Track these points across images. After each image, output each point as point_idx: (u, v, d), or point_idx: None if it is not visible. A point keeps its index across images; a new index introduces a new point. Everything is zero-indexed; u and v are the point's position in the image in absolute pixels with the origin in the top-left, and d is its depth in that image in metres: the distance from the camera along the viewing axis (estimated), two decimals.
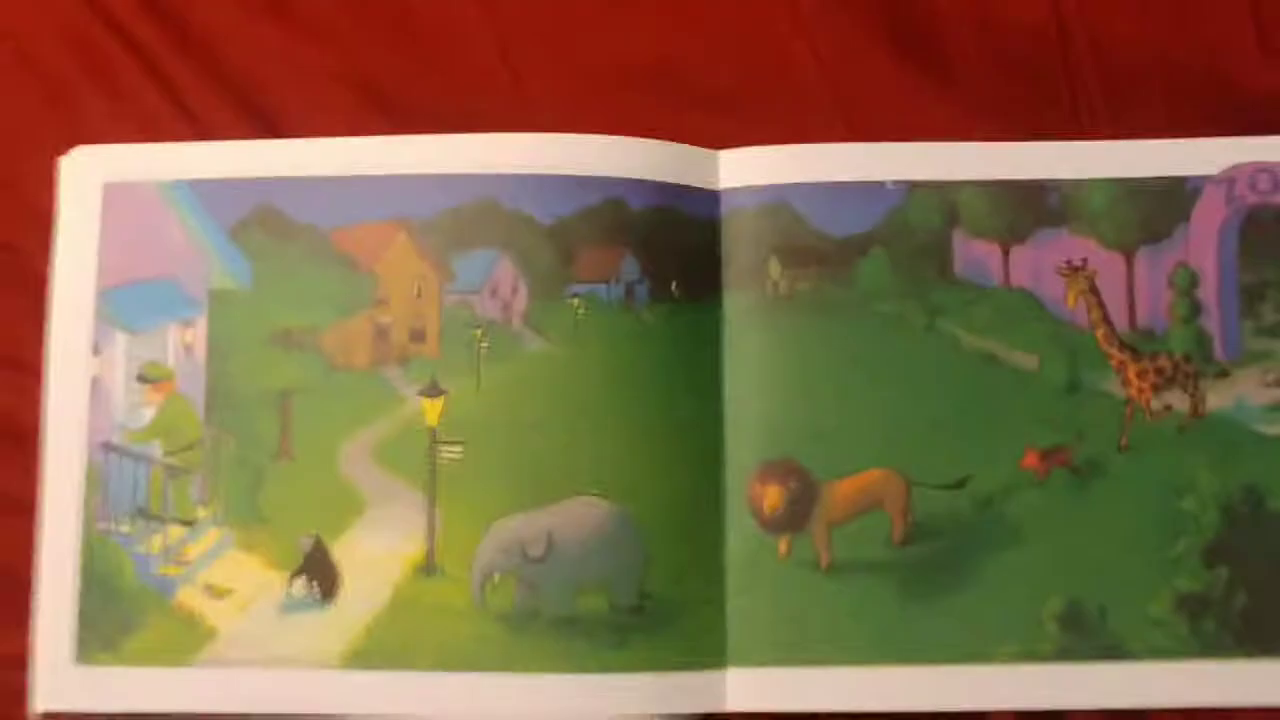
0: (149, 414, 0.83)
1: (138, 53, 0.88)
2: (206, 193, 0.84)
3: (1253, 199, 0.85)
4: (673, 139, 0.85)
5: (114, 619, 0.81)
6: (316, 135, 0.86)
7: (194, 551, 0.82)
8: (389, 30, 0.89)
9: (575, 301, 0.84)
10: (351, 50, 0.89)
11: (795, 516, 0.83)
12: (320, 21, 0.89)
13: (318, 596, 0.81)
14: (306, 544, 0.82)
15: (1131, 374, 0.85)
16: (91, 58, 0.88)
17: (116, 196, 0.84)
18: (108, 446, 0.83)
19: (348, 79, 0.88)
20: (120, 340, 0.83)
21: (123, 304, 0.83)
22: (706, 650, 0.81)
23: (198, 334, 0.84)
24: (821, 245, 0.85)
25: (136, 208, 0.84)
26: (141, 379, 0.83)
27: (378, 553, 0.82)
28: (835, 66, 0.89)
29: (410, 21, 0.90)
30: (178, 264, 0.84)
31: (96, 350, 0.83)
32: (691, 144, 0.85)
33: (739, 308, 0.84)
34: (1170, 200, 0.86)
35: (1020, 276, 0.86)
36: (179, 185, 0.84)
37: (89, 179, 0.85)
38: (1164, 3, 0.90)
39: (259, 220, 0.84)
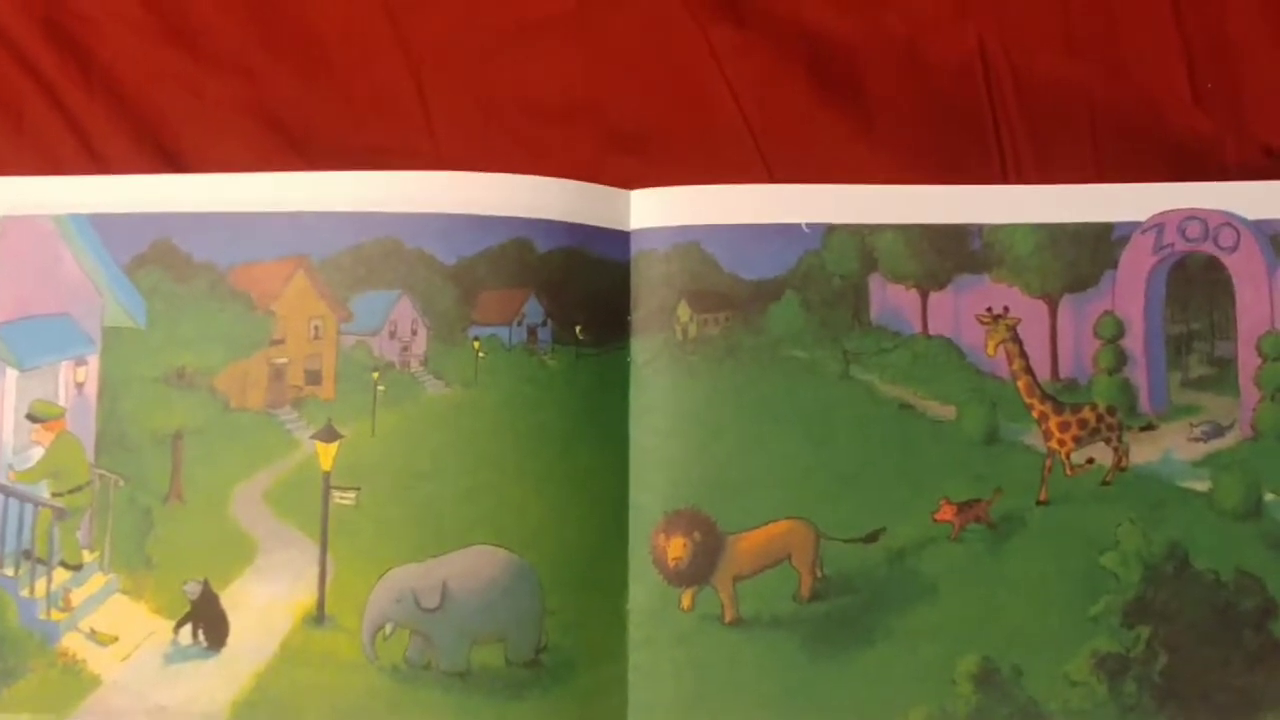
0: (37, 453, 0.81)
1: (39, 83, 0.87)
2: (104, 227, 0.82)
3: (1182, 246, 0.83)
4: (588, 179, 0.83)
5: None
6: (221, 170, 0.84)
7: (79, 597, 0.80)
8: (298, 62, 0.88)
9: (476, 344, 0.82)
10: (259, 82, 0.87)
11: (700, 569, 0.80)
12: (227, 52, 0.88)
13: (205, 645, 0.79)
14: (194, 590, 0.80)
15: (1053, 426, 0.82)
16: None
17: (11, 229, 0.83)
18: None
19: (254, 112, 0.87)
20: (10, 377, 0.82)
21: (14, 340, 0.82)
22: (606, 706, 0.79)
23: (90, 372, 0.82)
24: (733, 289, 0.83)
25: (32, 241, 0.82)
26: (31, 417, 0.81)
27: (267, 601, 0.79)
28: (753, 106, 0.87)
29: (320, 54, 0.88)
30: (72, 300, 0.82)
31: None
32: (606, 184, 0.83)
33: (646, 352, 0.82)
34: (1096, 247, 0.83)
35: (940, 324, 0.83)
36: (77, 219, 0.82)
37: None
38: (1092, 45, 0.87)
39: (156, 256, 0.82)
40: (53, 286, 0.82)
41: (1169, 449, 0.82)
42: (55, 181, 0.83)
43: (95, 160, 0.86)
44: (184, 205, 0.82)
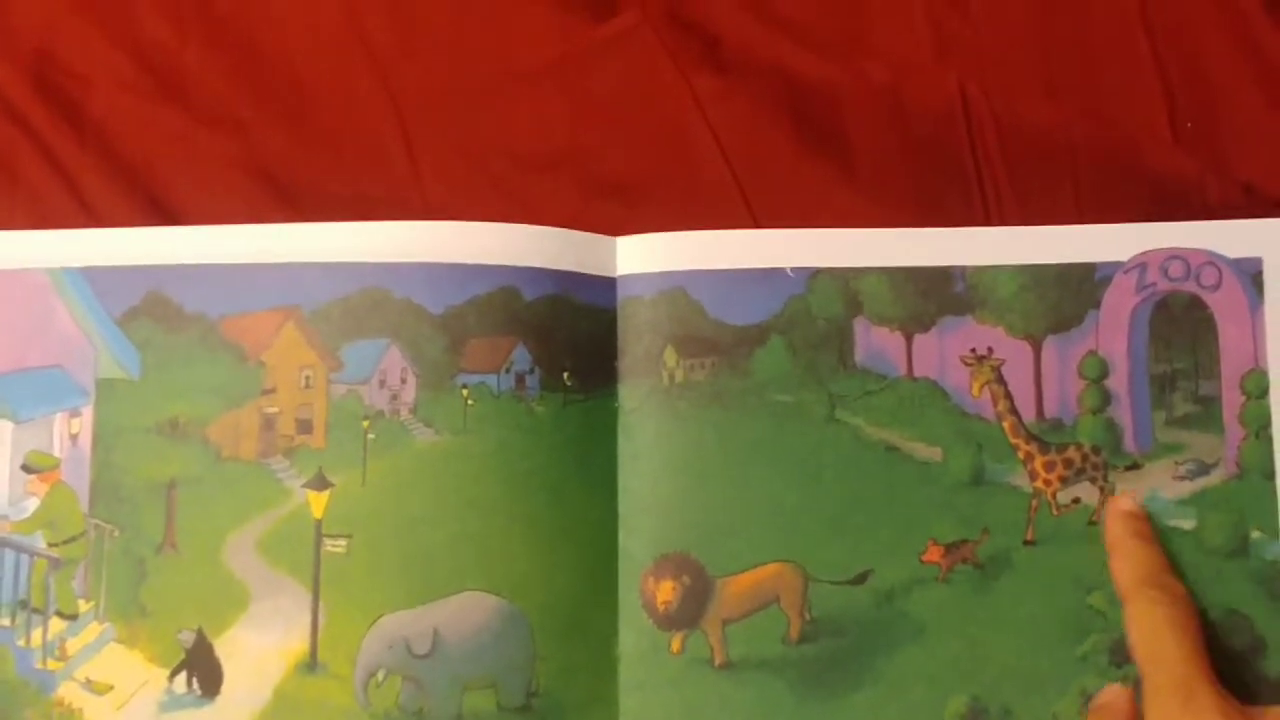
0: (32, 504, 0.82)
1: (32, 139, 0.87)
2: (97, 280, 0.83)
3: (1165, 286, 0.83)
4: (573, 226, 0.84)
5: None
6: (212, 222, 0.85)
7: (75, 646, 0.81)
8: (286, 115, 0.89)
9: (465, 392, 0.82)
10: (248, 135, 0.88)
11: (689, 612, 0.81)
12: (217, 106, 0.89)
13: (199, 693, 0.80)
14: (188, 639, 0.80)
15: (1039, 466, 0.83)
16: None
17: (5, 283, 0.84)
18: None
19: (245, 165, 0.88)
20: (5, 429, 0.82)
21: (9, 392, 0.83)
22: None
23: (84, 423, 0.83)
24: (719, 334, 0.84)
25: (25, 294, 0.83)
26: (26, 468, 0.82)
27: (260, 648, 0.80)
28: (737, 152, 0.87)
29: (308, 107, 0.89)
30: (66, 352, 0.83)
31: None
32: (592, 231, 0.84)
33: (634, 398, 0.83)
34: (1079, 287, 0.84)
35: (924, 366, 0.84)
36: (70, 272, 0.83)
37: None
38: (1072, 86, 0.88)
39: (148, 308, 0.83)
40: (46, 339, 0.83)
41: (1154, 488, 0.82)
42: (48, 235, 0.84)
43: (88, 214, 0.87)
44: (175, 257, 0.83)
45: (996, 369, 0.83)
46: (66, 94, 0.89)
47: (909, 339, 0.84)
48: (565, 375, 0.83)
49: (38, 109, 0.88)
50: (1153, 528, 0.80)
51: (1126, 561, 0.78)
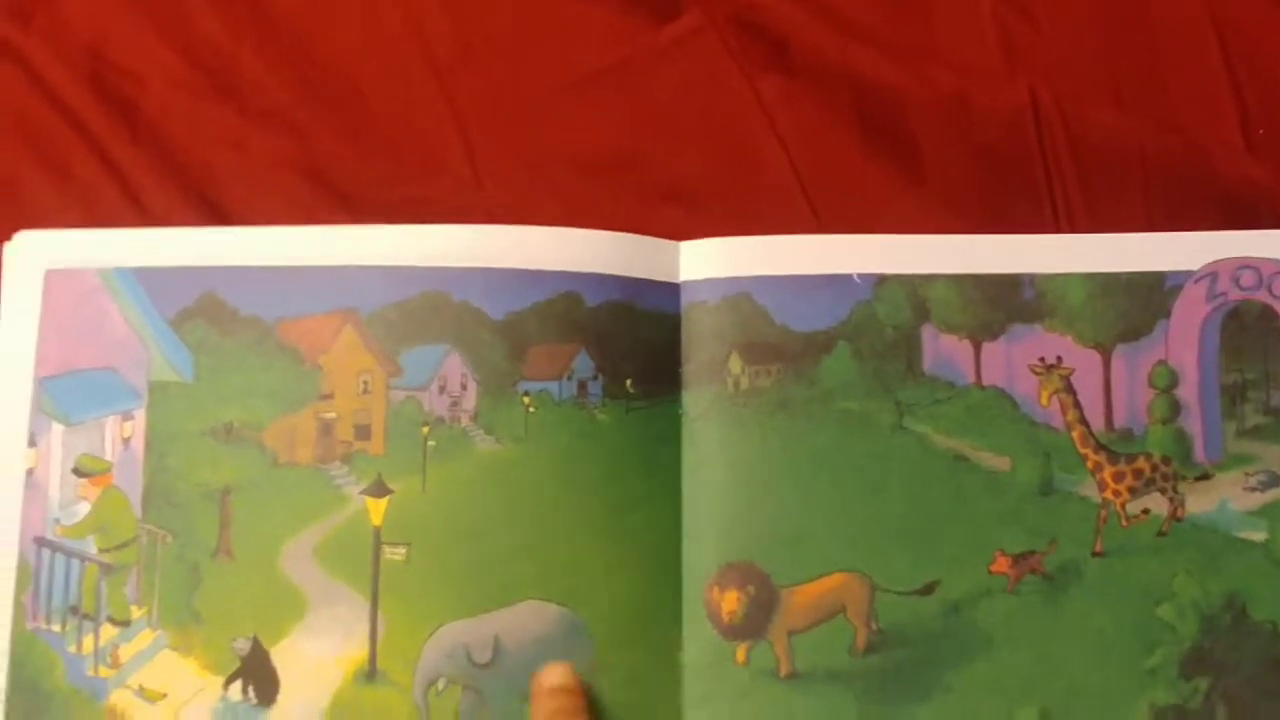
0: (84, 509, 0.81)
1: (86, 138, 0.86)
2: (150, 281, 0.82)
3: (1236, 295, 0.82)
4: (635, 231, 0.82)
5: None
6: (266, 224, 0.83)
7: (127, 653, 0.79)
8: (343, 117, 0.87)
9: (526, 399, 0.81)
10: (304, 137, 0.87)
11: (754, 623, 0.79)
12: (273, 108, 0.87)
13: (254, 702, 0.78)
14: (244, 647, 0.79)
15: (1108, 476, 0.81)
16: (38, 142, 0.86)
17: (58, 283, 0.82)
18: (40, 541, 0.80)
19: (299, 166, 0.86)
20: (57, 432, 0.81)
21: (61, 394, 0.81)
22: None
23: (137, 426, 0.81)
24: (785, 340, 0.82)
25: (78, 295, 0.82)
26: (77, 472, 0.81)
27: (318, 657, 0.78)
28: (802, 157, 0.86)
29: (366, 108, 0.88)
30: (118, 354, 0.82)
31: (32, 441, 0.81)
32: (653, 236, 0.83)
33: (698, 405, 0.81)
34: (1149, 296, 0.83)
35: (993, 374, 0.83)
36: (122, 273, 0.82)
37: (30, 265, 0.82)
38: (1143, 93, 0.87)
39: (202, 310, 0.82)
40: (99, 340, 0.82)
41: (1225, 499, 0.81)
42: (101, 235, 0.83)
43: (142, 214, 0.85)
44: (231, 259, 0.82)
45: (1066, 378, 0.82)
46: (120, 92, 0.87)
47: (977, 347, 0.83)
48: (628, 382, 0.81)
49: (91, 108, 0.87)
50: (585, 703, 0.77)
51: None
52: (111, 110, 0.87)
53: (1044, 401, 0.82)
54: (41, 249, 0.83)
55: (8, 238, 0.83)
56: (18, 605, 0.79)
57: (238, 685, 0.79)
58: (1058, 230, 0.85)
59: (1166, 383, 0.82)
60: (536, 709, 0.76)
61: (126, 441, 0.81)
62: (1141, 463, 0.82)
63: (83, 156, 0.86)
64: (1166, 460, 0.82)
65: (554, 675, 0.77)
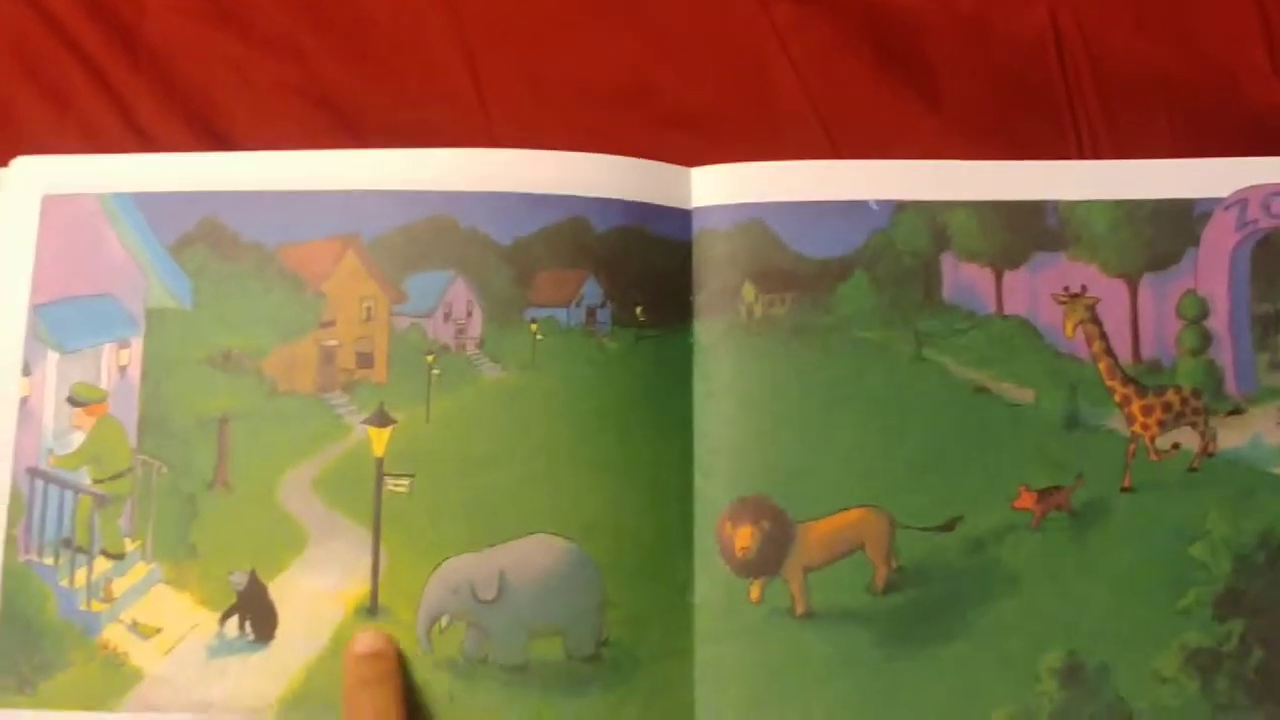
0: (78, 439, 0.78)
1: (84, 62, 0.85)
2: (149, 206, 0.80)
3: (1266, 223, 0.80)
4: (646, 158, 0.80)
5: (33, 659, 0.75)
6: (269, 149, 0.81)
7: (121, 587, 0.77)
8: (347, 41, 0.86)
9: (533, 326, 0.79)
10: (308, 62, 0.86)
11: (769, 559, 0.77)
12: (276, 32, 0.86)
13: (252, 637, 0.76)
14: (241, 581, 0.76)
15: (1136, 410, 0.79)
16: (35, 67, 0.85)
17: (55, 209, 0.80)
18: (34, 472, 0.78)
19: (303, 92, 0.85)
20: (52, 360, 0.79)
21: (56, 322, 0.79)
22: (672, 703, 0.75)
23: (133, 354, 0.79)
24: (799, 268, 0.80)
25: (75, 221, 0.80)
26: (72, 401, 0.78)
27: (318, 592, 0.76)
28: (816, 81, 0.84)
29: (370, 32, 0.86)
30: (116, 280, 0.79)
31: (26, 370, 0.79)
32: (665, 163, 0.81)
33: (710, 334, 0.79)
34: (1177, 224, 0.80)
35: (1015, 303, 0.80)
36: (121, 198, 0.80)
37: (28, 190, 0.80)
38: (1168, 17, 0.85)
39: (203, 236, 0.79)
40: (95, 266, 0.80)
41: (1258, 433, 0.78)
42: (100, 159, 0.81)
43: (142, 140, 0.84)
44: (231, 184, 0.80)
45: (1091, 308, 0.79)
46: (120, 18, 0.86)
47: (999, 275, 0.80)
48: (638, 310, 0.79)
49: (90, 32, 0.86)
50: (397, 667, 0.74)
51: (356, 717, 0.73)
52: (111, 36, 0.86)
53: (1069, 332, 0.80)
54: (39, 174, 0.81)
55: (5, 164, 0.81)
56: (9, 537, 0.77)
57: (234, 620, 0.76)
58: (1081, 157, 0.83)
59: (1196, 313, 0.79)
60: (347, 676, 0.73)
61: (123, 370, 0.79)
62: (1171, 395, 0.79)
63: (81, 82, 0.85)
64: (1197, 393, 0.79)
65: (364, 642, 0.74)
